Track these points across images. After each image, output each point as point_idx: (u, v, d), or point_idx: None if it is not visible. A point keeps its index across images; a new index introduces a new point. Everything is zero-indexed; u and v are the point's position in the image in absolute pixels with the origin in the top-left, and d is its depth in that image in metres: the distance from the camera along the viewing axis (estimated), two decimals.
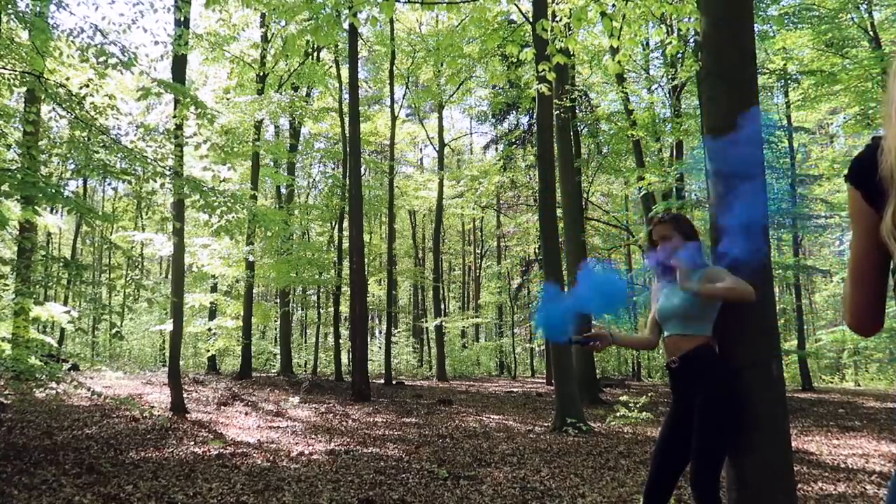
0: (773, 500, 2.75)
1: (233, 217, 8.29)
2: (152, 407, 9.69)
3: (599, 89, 20.40)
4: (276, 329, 24.74)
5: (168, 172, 8.16)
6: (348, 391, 13.45)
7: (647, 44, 15.85)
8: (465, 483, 5.62)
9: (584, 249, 14.33)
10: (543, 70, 6.45)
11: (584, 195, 18.59)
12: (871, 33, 15.76)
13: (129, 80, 14.86)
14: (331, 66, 18.98)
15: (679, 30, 7.97)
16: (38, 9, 7.02)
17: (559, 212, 11.73)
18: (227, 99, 15.88)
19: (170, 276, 17.49)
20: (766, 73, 16.06)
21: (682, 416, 2.91)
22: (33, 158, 7.32)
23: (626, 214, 22.68)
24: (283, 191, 19.88)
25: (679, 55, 13.73)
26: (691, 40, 12.00)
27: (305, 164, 26.52)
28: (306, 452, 7.06)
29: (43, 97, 7.70)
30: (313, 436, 8.28)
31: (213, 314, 18.42)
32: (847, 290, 1.35)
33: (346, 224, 17.31)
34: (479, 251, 33.14)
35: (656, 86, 17.82)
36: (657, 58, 17.19)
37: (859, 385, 22.46)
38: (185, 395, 10.32)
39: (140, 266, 29.74)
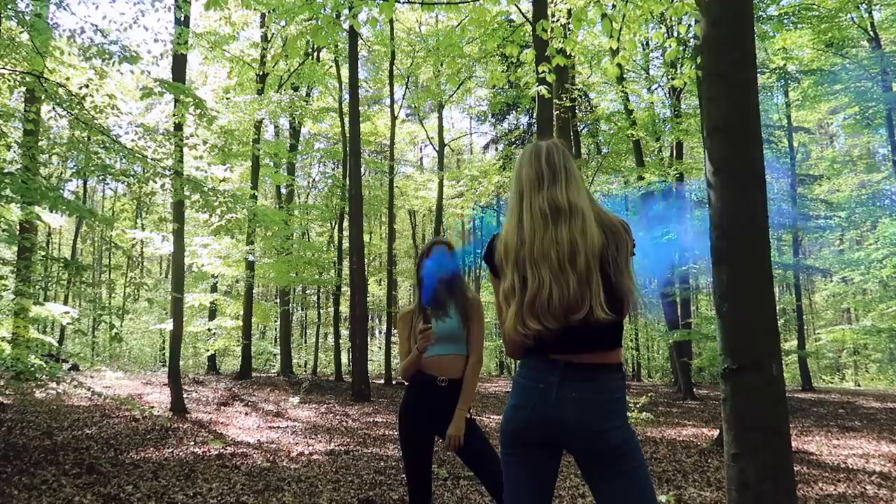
0: (773, 500, 2.75)
1: (233, 217, 8.29)
2: (152, 407, 9.69)
3: (599, 89, 20.38)
4: (276, 329, 24.72)
5: (168, 173, 8.15)
6: (348, 391, 13.44)
7: (647, 44, 15.84)
8: (465, 483, 5.62)
9: None
10: (543, 72, 6.44)
11: None
12: (871, 33, 15.78)
13: (129, 81, 14.85)
14: (331, 66, 18.96)
15: (678, 32, 7.94)
16: (38, 9, 7.02)
17: None
18: (227, 99, 15.87)
19: (170, 276, 17.49)
20: (766, 73, 16.06)
21: (439, 430, 2.88)
22: (33, 159, 7.31)
23: (626, 214, 22.67)
24: (283, 191, 19.87)
25: (679, 58, 13.73)
26: (691, 42, 12.00)
27: (305, 164, 26.49)
28: (306, 452, 7.06)
29: (43, 97, 7.70)
30: (313, 436, 8.28)
31: (213, 314, 18.40)
32: None
33: (346, 224, 17.30)
34: (479, 251, 33.09)
35: (656, 86, 17.82)
36: (657, 58, 17.19)
37: (859, 385, 22.45)
38: (185, 396, 10.33)
39: (140, 266, 29.73)
